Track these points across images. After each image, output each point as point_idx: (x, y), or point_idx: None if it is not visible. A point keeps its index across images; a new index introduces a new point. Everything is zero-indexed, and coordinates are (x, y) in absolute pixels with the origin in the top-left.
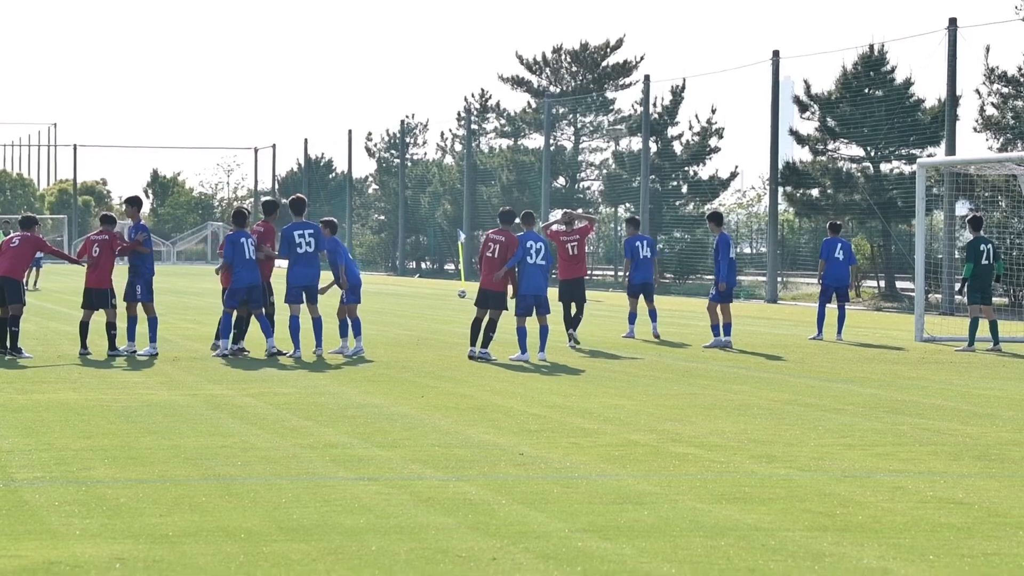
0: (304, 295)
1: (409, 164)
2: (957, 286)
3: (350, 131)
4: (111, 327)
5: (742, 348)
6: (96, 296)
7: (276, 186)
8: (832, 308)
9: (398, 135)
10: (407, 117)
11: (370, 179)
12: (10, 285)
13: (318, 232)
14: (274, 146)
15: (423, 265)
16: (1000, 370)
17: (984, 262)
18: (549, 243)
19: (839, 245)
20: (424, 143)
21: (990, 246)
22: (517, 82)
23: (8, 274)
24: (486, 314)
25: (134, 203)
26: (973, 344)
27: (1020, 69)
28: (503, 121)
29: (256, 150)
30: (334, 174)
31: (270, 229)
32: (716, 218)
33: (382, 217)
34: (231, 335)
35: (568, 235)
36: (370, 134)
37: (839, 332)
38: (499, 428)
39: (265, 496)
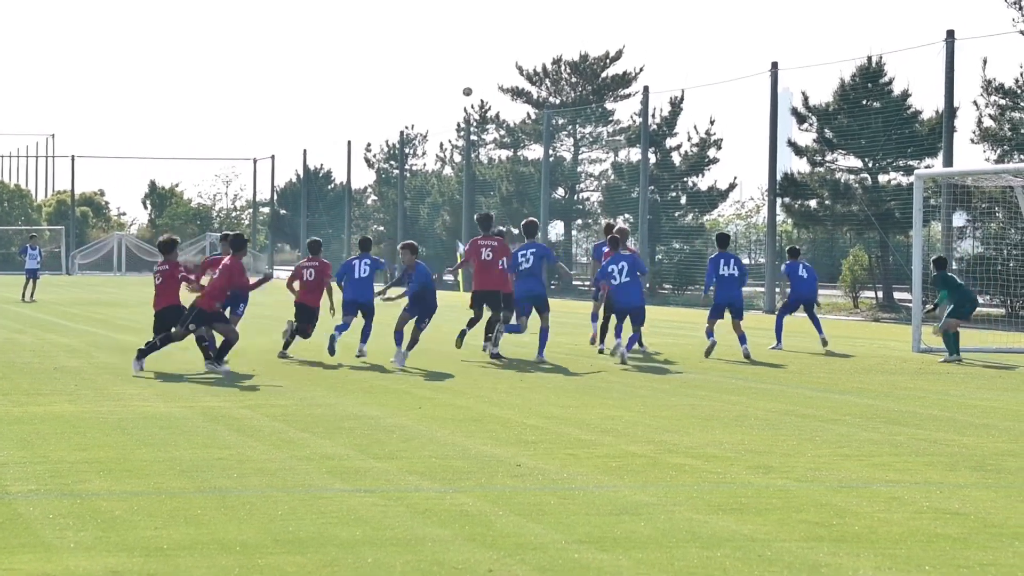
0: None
1: (408, 175)
2: (928, 307)
3: (349, 142)
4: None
5: (740, 359)
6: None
7: (275, 197)
8: (803, 318)
9: (397, 146)
10: (406, 128)
11: (369, 190)
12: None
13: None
14: (273, 157)
15: None
16: (996, 381)
17: (960, 282)
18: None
19: (800, 267)
20: (423, 154)
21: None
22: (517, 93)
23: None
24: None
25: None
26: (958, 353)
27: (1017, 81)
28: (502, 132)
29: (255, 161)
30: (333, 185)
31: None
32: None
33: (381, 228)
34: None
35: (486, 240)
36: (369, 145)
37: (821, 335)
38: (497, 439)
39: (261, 508)
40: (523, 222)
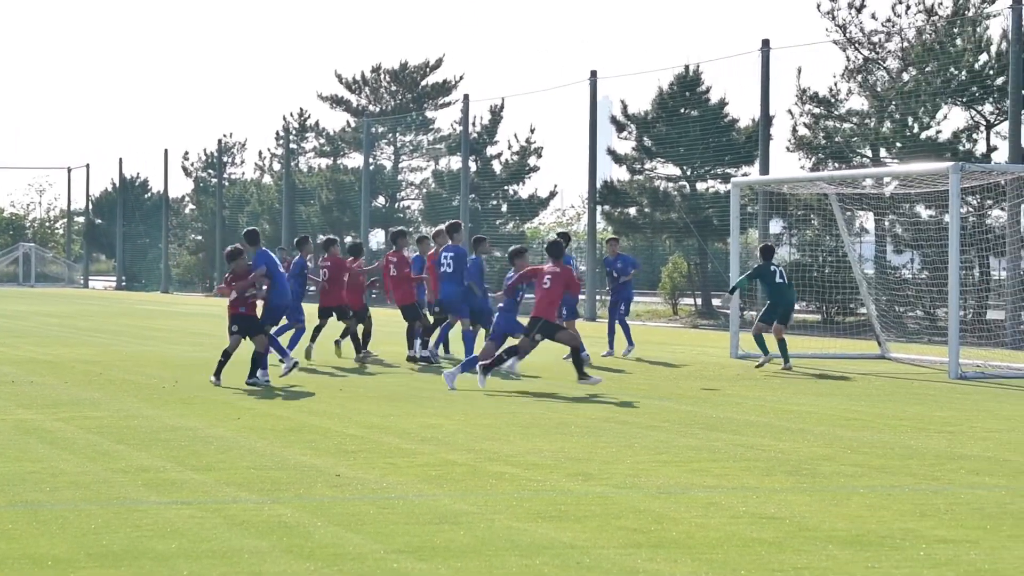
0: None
1: (227, 184)
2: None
3: (166, 150)
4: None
5: (561, 367)
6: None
7: (90, 206)
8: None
9: (215, 154)
10: (224, 136)
11: (187, 199)
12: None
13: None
14: (88, 166)
15: None
16: (812, 386)
17: (779, 280)
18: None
19: (619, 261)
20: (242, 162)
21: (780, 269)
22: (336, 101)
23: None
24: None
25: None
26: (768, 353)
27: (831, 90)
28: (322, 140)
29: (69, 170)
30: (150, 194)
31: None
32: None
33: (199, 237)
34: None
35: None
36: (187, 153)
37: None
38: (316, 449)
39: (74, 522)
40: (446, 225)
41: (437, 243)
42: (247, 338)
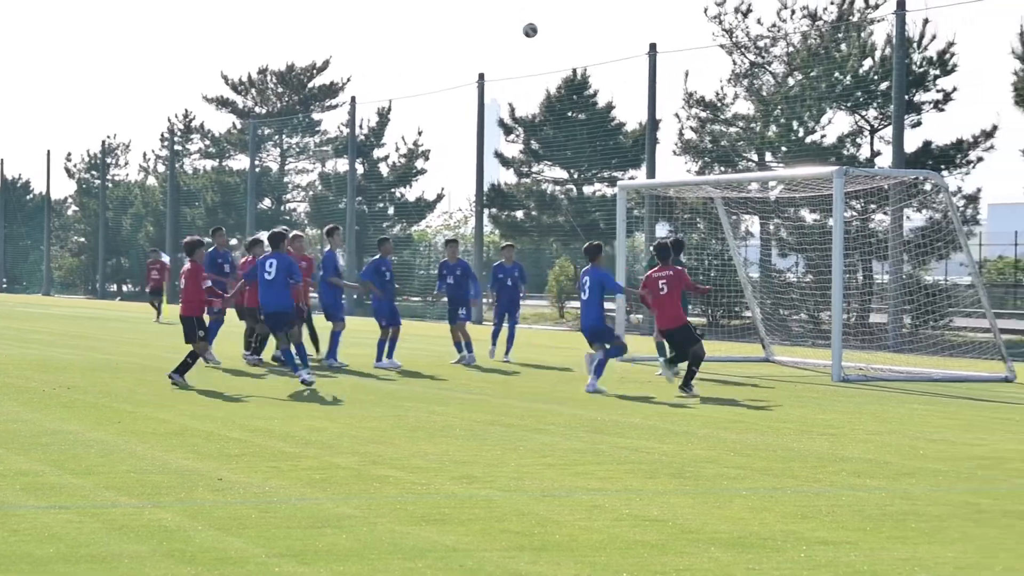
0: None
1: (110, 185)
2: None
3: (48, 151)
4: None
5: (447, 368)
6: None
7: None
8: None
9: (99, 156)
10: (108, 137)
11: (70, 200)
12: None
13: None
14: None
15: (124, 288)
16: (696, 388)
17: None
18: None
19: (509, 270)
20: (126, 164)
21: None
22: (222, 103)
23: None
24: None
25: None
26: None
27: (717, 94)
28: (207, 142)
29: None
30: (32, 195)
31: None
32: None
33: (82, 239)
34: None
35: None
36: (70, 154)
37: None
38: (198, 453)
39: None
40: (270, 232)
41: (255, 252)
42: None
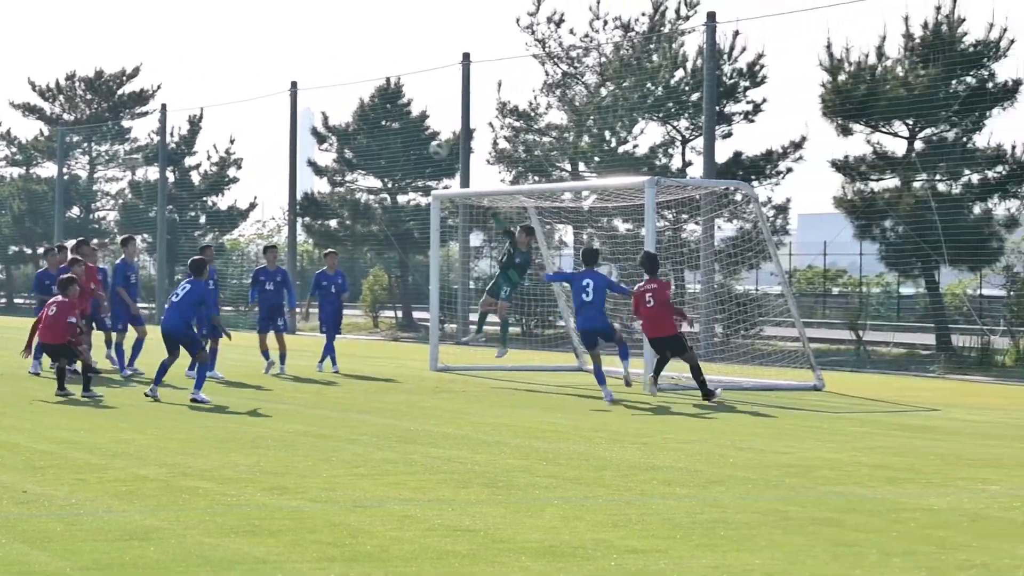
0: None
1: None
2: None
3: None
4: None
5: (261, 378)
6: None
7: None
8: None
9: None
10: None
11: None
12: None
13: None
14: None
15: None
16: (509, 398)
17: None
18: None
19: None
20: None
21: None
22: (29, 109)
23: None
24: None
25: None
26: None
27: (530, 104)
28: (14, 149)
29: None
30: None
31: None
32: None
33: None
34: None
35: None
36: None
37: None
38: (3, 465)
39: None
40: (122, 238)
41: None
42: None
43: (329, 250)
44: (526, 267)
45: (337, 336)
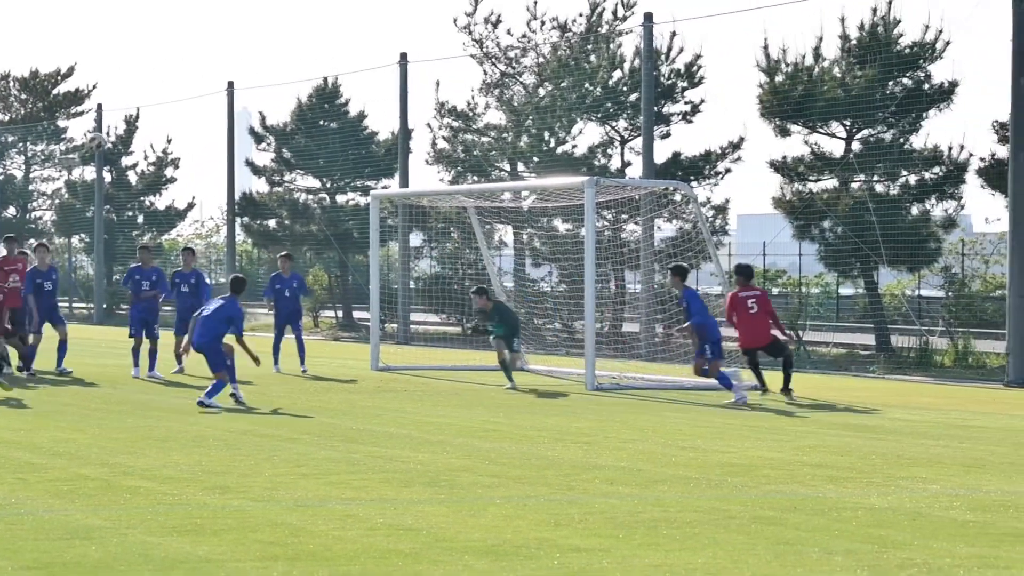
0: None
1: None
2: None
3: None
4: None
5: (200, 382)
6: None
7: None
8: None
9: None
10: None
11: None
12: None
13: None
14: None
15: None
16: (451, 398)
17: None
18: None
19: (287, 281)
20: None
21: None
22: None
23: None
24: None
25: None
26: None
27: (469, 104)
28: None
29: None
30: None
31: None
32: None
33: None
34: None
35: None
36: None
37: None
38: None
39: None
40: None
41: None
42: None
43: (284, 253)
44: (501, 320)
45: (302, 335)
